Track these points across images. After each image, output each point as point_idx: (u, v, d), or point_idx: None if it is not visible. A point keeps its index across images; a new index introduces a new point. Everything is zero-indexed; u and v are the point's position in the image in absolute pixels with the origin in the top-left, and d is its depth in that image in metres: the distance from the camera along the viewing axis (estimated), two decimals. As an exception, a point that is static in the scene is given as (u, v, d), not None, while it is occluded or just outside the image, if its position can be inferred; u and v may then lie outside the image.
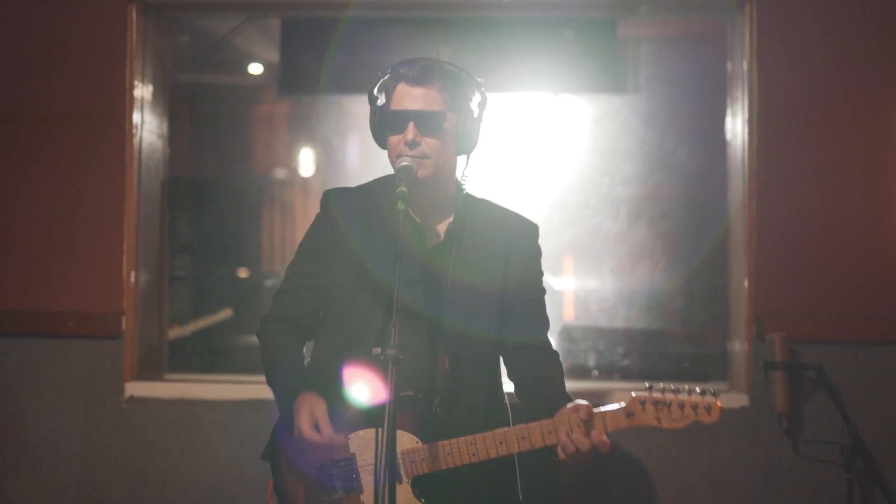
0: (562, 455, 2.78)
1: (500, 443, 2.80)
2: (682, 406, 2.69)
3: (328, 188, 3.19)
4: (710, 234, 4.82)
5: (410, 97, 2.93)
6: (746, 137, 4.44)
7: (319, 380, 3.00)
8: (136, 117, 4.64)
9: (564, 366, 3.12)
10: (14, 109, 4.61)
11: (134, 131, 4.62)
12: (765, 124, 4.41)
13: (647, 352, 4.89)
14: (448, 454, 2.82)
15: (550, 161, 5.02)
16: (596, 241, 4.97)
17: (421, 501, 2.85)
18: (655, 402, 2.71)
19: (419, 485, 2.86)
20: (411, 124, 2.91)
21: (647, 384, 2.74)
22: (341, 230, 3.07)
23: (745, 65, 4.46)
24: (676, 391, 2.71)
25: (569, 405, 2.78)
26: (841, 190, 4.40)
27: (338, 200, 3.13)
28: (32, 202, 4.59)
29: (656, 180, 4.98)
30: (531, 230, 3.14)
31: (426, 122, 2.91)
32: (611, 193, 4.98)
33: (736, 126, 4.59)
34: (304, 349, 3.16)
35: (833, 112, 4.40)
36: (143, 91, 4.70)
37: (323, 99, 5.23)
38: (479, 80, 3.05)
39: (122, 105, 4.59)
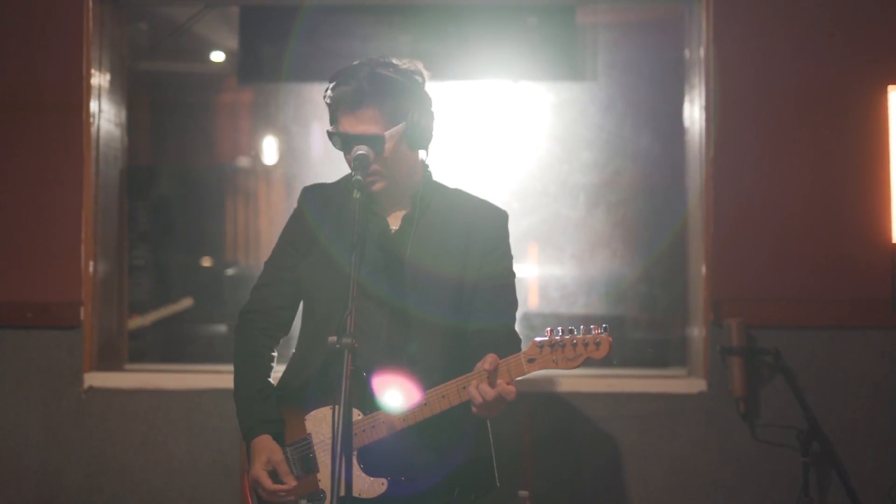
0: (473, 408, 2.82)
1: (425, 404, 2.86)
2: (574, 345, 2.75)
3: (305, 185, 3.24)
4: (668, 221, 4.84)
5: (350, 122, 2.94)
6: (704, 124, 4.46)
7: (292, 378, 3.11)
8: (93, 106, 4.60)
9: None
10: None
11: (91, 120, 4.59)
12: (722, 111, 4.43)
13: (608, 338, 4.88)
14: (383, 422, 2.89)
15: (510, 148, 5.02)
16: (556, 228, 4.98)
17: (361, 467, 2.91)
18: (552, 345, 2.77)
19: (365, 457, 2.92)
20: (355, 148, 2.91)
21: (548, 328, 2.80)
22: (312, 225, 3.13)
23: (703, 52, 4.48)
24: (571, 331, 2.77)
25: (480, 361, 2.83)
26: (798, 176, 4.43)
27: (310, 196, 3.19)
28: (-12, 192, 4.55)
29: (615, 167, 4.99)
30: (496, 215, 3.14)
31: (369, 144, 2.91)
32: (570, 180, 4.97)
33: (693, 113, 4.61)
34: (275, 351, 3.20)
35: (790, 99, 4.43)
36: (100, 79, 4.67)
37: (283, 87, 5.19)
38: (423, 75, 3.05)
39: (80, 93, 4.56)
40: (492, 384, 2.77)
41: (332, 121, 3.01)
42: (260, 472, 2.98)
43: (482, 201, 3.17)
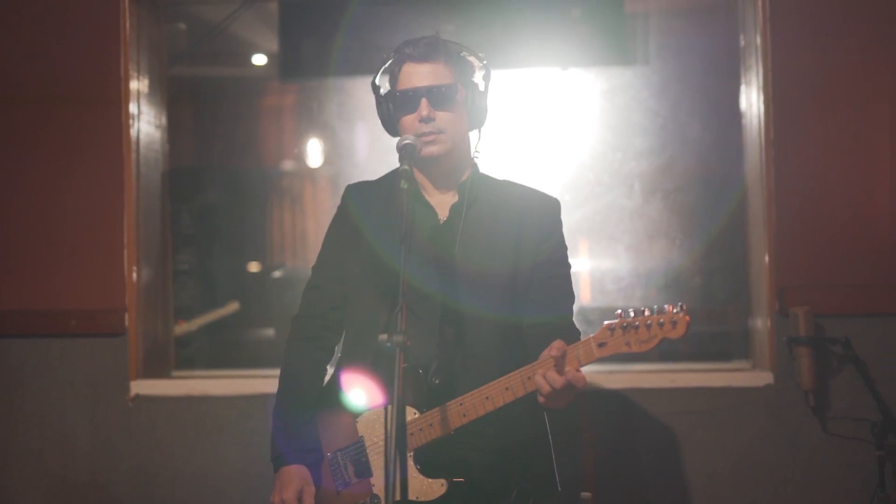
0: (540, 398, 2.71)
1: (486, 398, 2.76)
2: (649, 326, 2.61)
3: (349, 183, 3.24)
4: (727, 208, 4.71)
5: (418, 74, 2.95)
6: (762, 107, 4.33)
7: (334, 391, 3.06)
8: (132, 108, 4.54)
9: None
10: (5, 93, 4.53)
11: (131, 122, 4.53)
12: (780, 93, 4.30)
13: (667, 332, 4.75)
14: (442, 419, 2.80)
15: (561, 138, 4.89)
16: (610, 218, 4.85)
17: (417, 468, 2.84)
18: (624, 327, 2.63)
19: (421, 458, 2.85)
20: (423, 101, 2.92)
21: (617, 311, 2.67)
22: (357, 221, 3.10)
23: (759, 38, 4.35)
24: (643, 312, 2.63)
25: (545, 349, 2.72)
26: (861, 157, 4.30)
27: (354, 193, 3.18)
28: (28, 197, 4.51)
29: (670, 154, 4.83)
30: (548, 204, 3.09)
31: (438, 96, 2.93)
32: (623, 169, 4.83)
33: (751, 95, 4.47)
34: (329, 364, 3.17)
35: (849, 80, 4.31)
36: (139, 80, 4.60)
37: (325, 83, 5.11)
38: (480, 54, 3.06)
39: (118, 94, 4.50)
40: (560, 371, 2.67)
41: (392, 82, 3.01)
42: (293, 499, 2.94)
43: (532, 190, 3.12)
